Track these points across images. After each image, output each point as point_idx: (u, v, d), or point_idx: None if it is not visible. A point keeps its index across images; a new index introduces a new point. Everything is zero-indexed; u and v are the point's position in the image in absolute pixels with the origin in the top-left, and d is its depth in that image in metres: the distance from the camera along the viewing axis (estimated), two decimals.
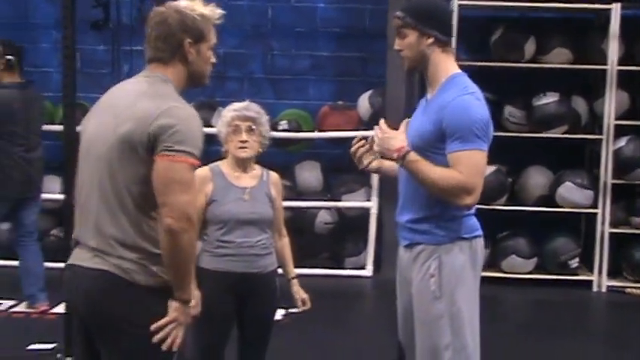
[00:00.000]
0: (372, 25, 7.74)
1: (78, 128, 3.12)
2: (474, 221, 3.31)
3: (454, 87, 3.21)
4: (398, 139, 3.24)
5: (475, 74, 3.37)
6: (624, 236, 7.23)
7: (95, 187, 2.75)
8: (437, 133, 3.17)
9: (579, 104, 7.35)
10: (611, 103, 7.11)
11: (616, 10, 7.03)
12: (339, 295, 6.75)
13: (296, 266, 3.89)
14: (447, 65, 3.28)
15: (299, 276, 3.86)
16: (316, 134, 7.53)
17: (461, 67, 3.32)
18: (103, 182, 2.73)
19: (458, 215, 3.24)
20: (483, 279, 3.36)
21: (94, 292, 2.73)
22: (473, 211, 3.30)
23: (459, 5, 6.94)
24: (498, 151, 7.31)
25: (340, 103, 7.60)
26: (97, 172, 2.75)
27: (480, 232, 3.32)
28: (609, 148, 7.12)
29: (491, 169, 7.11)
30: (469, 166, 3.11)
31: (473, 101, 3.17)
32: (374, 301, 7.03)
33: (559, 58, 7.28)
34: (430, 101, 3.29)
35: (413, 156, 3.18)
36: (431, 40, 3.23)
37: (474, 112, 3.14)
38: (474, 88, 3.23)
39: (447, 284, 3.21)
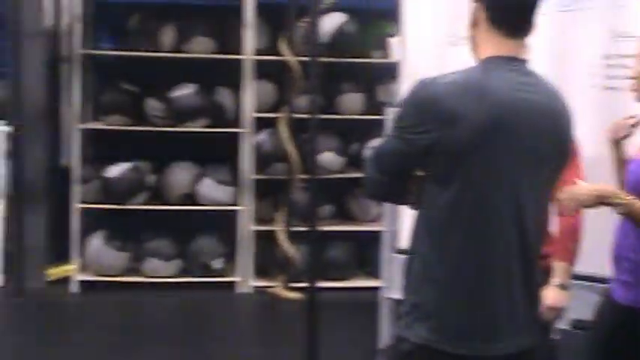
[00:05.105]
0: None
1: None
2: None
3: None
4: None
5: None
6: (269, 234, 6.94)
7: None
8: None
9: (225, 96, 7.00)
10: (252, 94, 6.85)
11: None
12: None
13: None
14: None
15: None
16: None
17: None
18: None
19: None
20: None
21: None
22: None
23: None
24: (139, 147, 6.93)
25: None
26: None
27: None
28: (249, 142, 6.86)
29: (128, 166, 6.63)
30: None
31: None
32: None
33: (200, 48, 6.88)
34: None
35: None
36: None
37: None
38: None
39: None
